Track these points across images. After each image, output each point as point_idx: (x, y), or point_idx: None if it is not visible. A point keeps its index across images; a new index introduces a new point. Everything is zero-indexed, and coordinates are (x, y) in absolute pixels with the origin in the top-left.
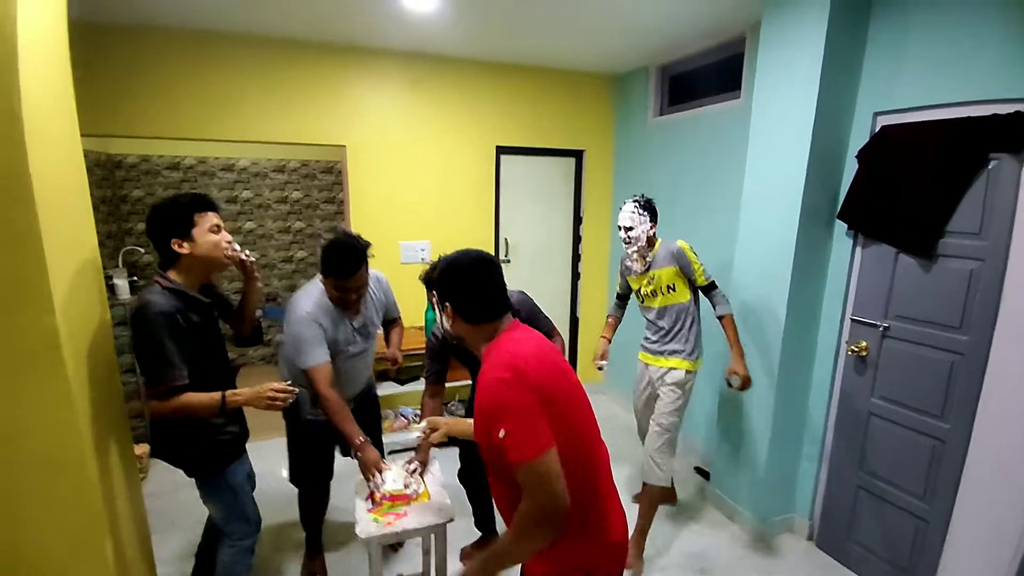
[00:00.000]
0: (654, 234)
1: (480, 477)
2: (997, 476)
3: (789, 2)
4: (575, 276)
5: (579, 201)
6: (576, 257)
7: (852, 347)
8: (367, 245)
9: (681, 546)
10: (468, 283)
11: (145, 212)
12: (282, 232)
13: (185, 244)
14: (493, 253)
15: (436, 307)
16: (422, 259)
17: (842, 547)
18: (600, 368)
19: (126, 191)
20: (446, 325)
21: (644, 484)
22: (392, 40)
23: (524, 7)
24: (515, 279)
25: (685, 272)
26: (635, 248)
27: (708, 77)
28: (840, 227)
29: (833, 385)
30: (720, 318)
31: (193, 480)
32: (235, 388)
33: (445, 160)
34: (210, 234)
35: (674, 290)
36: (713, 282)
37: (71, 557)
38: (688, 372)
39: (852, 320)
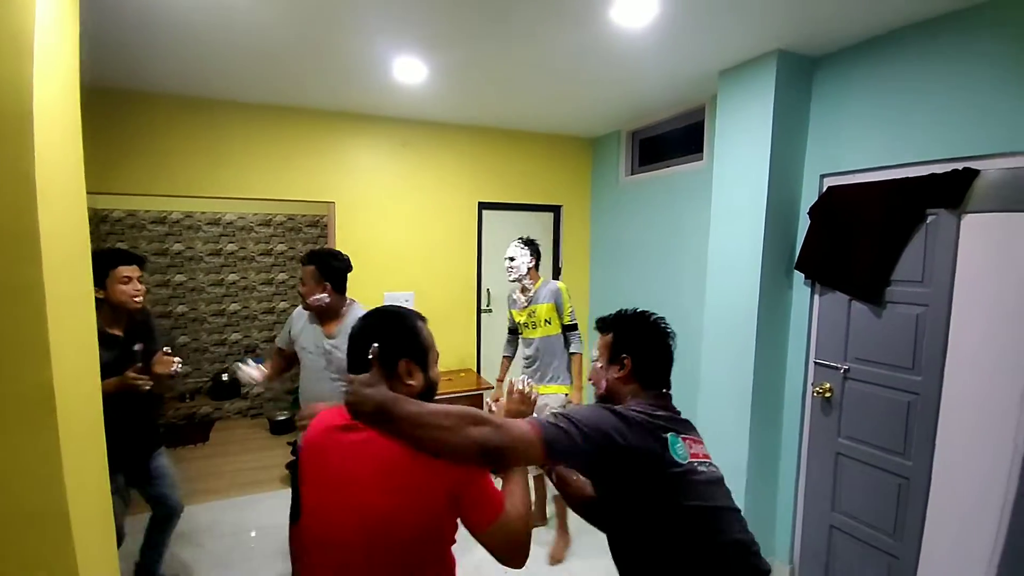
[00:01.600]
0: (535, 268)
1: None
2: (960, 510)
3: (741, 77)
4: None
5: (558, 252)
6: None
7: (817, 389)
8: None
9: None
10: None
11: None
12: (265, 284)
13: (100, 291)
14: (476, 303)
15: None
16: None
17: None
18: (491, 411)
19: (109, 244)
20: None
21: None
22: (382, 107)
23: (505, 81)
24: (496, 327)
25: (558, 310)
26: (516, 276)
27: (674, 140)
28: (799, 276)
29: (803, 426)
30: (571, 354)
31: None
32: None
33: (430, 215)
34: (119, 284)
35: (550, 323)
36: (575, 324)
37: None
38: (566, 395)
39: (815, 363)
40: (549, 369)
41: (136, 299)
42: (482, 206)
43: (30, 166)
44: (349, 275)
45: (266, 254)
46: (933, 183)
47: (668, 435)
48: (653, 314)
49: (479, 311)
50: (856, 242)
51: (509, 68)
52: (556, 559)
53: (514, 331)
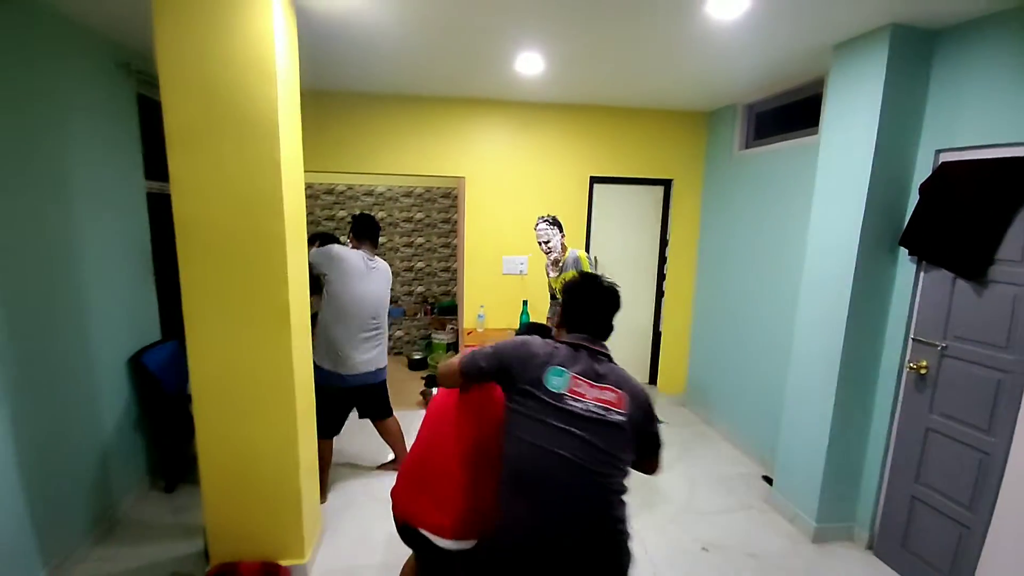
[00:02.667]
0: (564, 243)
1: None
2: None
3: (853, 51)
4: (659, 294)
5: (666, 225)
6: (661, 277)
7: (912, 365)
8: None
9: (736, 537)
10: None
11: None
12: (406, 246)
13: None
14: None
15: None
16: (520, 271)
17: (897, 556)
18: None
19: None
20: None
21: None
22: (506, 93)
23: (617, 65)
24: None
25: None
26: (555, 255)
27: (791, 114)
28: (904, 253)
29: (896, 401)
30: None
31: None
32: None
33: (545, 188)
34: None
35: None
36: None
37: (277, 446)
38: None
39: (913, 340)
40: None
41: None
42: (593, 180)
43: (278, 155)
44: (474, 237)
45: (407, 220)
46: None
47: (554, 367)
48: (594, 278)
49: None
50: (963, 219)
51: (621, 53)
52: None
53: (555, 297)
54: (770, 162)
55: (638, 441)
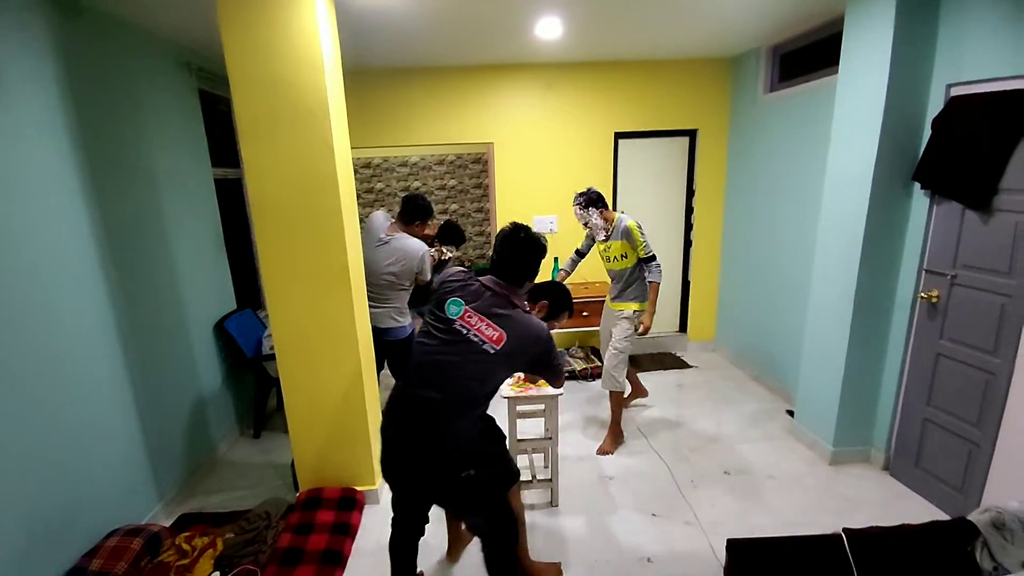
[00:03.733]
0: (606, 213)
1: None
2: None
3: None
4: (687, 244)
5: (692, 176)
6: (688, 227)
7: (924, 294)
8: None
9: (757, 462)
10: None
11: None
12: (441, 213)
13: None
14: None
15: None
16: (550, 230)
17: (911, 474)
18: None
19: None
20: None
21: (610, 393)
22: (528, 58)
23: (637, 15)
24: None
25: (631, 245)
26: (603, 235)
27: (816, 53)
28: (918, 187)
29: (910, 330)
30: (648, 282)
31: None
32: None
33: (571, 147)
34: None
35: (626, 258)
36: (651, 256)
37: (347, 389)
38: (634, 311)
39: (926, 271)
40: (624, 293)
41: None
42: (618, 136)
43: (330, 138)
44: (505, 199)
45: (441, 188)
46: None
47: (456, 299)
48: (516, 230)
49: None
50: (969, 151)
51: (636, 5)
52: (604, 451)
53: (580, 254)
54: (796, 104)
55: (519, 366)
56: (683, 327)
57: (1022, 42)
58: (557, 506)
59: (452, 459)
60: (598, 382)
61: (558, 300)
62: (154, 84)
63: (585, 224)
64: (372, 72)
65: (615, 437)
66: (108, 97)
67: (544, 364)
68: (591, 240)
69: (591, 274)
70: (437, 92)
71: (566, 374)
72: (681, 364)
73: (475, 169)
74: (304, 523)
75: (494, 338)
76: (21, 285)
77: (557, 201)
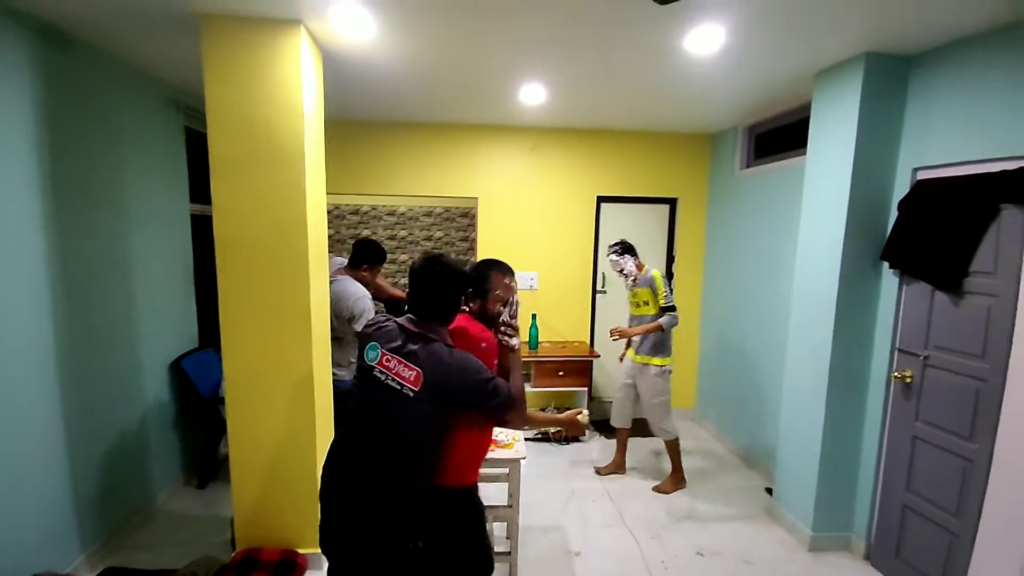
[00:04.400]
0: (638, 263)
1: None
2: (1016, 493)
3: (832, 78)
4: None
5: (672, 242)
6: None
7: (897, 374)
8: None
9: (733, 544)
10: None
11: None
12: None
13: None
14: (592, 283)
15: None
16: (530, 286)
17: (891, 565)
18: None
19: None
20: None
21: (665, 443)
22: (513, 120)
23: (618, 95)
24: (611, 307)
25: (654, 294)
26: (632, 281)
27: (787, 134)
28: (887, 266)
29: (886, 411)
30: (657, 321)
31: None
32: None
33: (554, 207)
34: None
35: (647, 304)
36: (671, 306)
37: (299, 442)
38: (659, 366)
39: (899, 350)
40: (643, 344)
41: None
42: (600, 199)
43: (303, 181)
44: (487, 253)
45: (428, 239)
46: (1005, 179)
47: (373, 343)
48: (434, 264)
49: (594, 291)
50: (938, 233)
51: (613, 83)
52: (662, 490)
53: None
54: (768, 181)
55: (451, 408)
56: None
57: (988, 127)
58: None
59: (393, 528)
60: (575, 445)
61: (476, 275)
62: (137, 118)
63: (620, 271)
64: (359, 123)
65: (676, 482)
66: (85, 127)
67: (481, 397)
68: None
69: (570, 332)
70: (423, 146)
71: (540, 434)
72: None
73: (462, 223)
74: None
75: (411, 379)
76: None
77: (539, 259)
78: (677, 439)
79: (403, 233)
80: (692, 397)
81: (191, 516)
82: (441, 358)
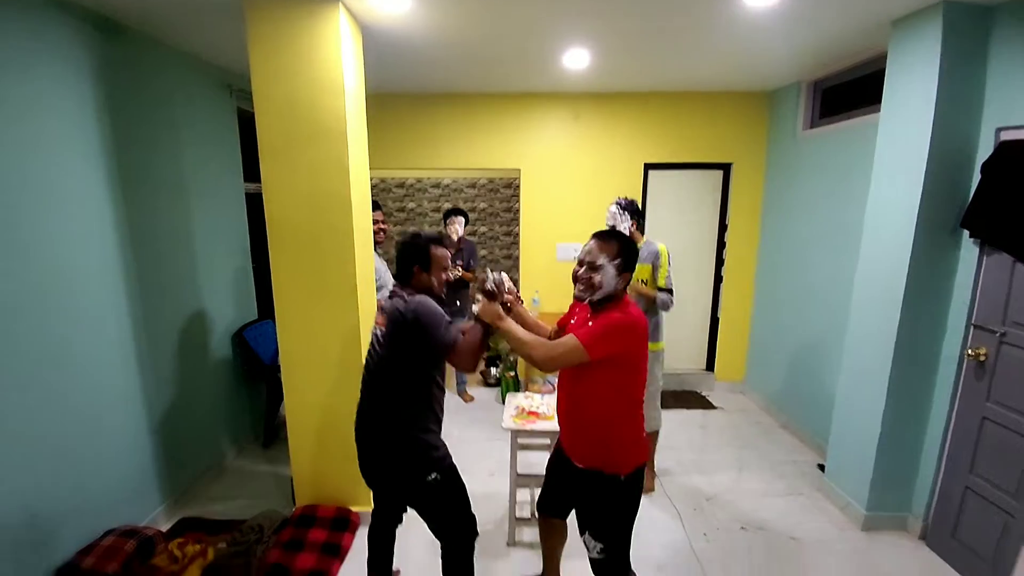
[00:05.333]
0: (637, 229)
1: None
2: None
3: (909, 28)
4: (717, 280)
5: (725, 210)
6: (720, 262)
7: (971, 351)
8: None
9: (779, 520)
10: None
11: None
12: (470, 235)
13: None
14: None
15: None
16: (573, 257)
17: (947, 546)
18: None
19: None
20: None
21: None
22: (556, 87)
23: (669, 55)
24: None
25: (654, 271)
26: None
27: (859, 90)
28: (967, 235)
29: (956, 390)
30: (654, 296)
31: None
32: None
33: (599, 177)
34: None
35: (645, 284)
36: (669, 289)
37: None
38: (652, 352)
39: (973, 326)
40: None
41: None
42: (648, 167)
43: (346, 159)
44: (530, 225)
45: (472, 210)
46: None
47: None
48: (405, 239)
49: None
50: (1022, 200)
51: (664, 42)
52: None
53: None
54: (837, 141)
55: (408, 343)
56: (710, 365)
57: None
58: None
59: (412, 465)
60: None
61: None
62: (193, 103)
63: (611, 227)
64: (399, 96)
65: (648, 479)
66: (145, 114)
67: (428, 337)
68: None
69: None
70: (464, 118)
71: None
72: (706, 404)
73: (506, 193)
74: (295, 540)
75: (381, 322)
76: (48, 285)
77: (583, 229)
78: (656, 432)
79: (447, 205)
80: (741, 369)
81: (257, 473)
82: (401, 299)
